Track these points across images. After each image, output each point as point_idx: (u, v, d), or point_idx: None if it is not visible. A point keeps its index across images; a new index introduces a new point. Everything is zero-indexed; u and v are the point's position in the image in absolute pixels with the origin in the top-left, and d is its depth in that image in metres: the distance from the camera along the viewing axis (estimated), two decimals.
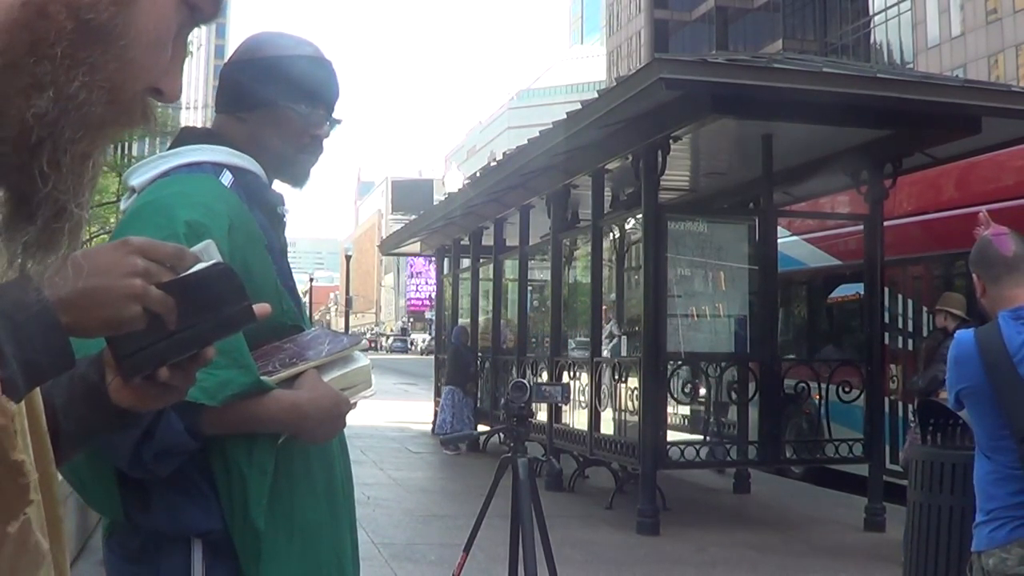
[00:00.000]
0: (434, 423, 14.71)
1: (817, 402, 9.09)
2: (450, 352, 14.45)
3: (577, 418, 10.05)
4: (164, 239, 1.06)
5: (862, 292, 9.24)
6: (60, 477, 1.66)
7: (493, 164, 12.07)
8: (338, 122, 1.86)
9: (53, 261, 0.87)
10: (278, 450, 1.61)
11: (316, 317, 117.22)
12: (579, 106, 8.37)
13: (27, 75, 0.80)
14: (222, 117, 1.82)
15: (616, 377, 9.16)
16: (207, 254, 1.06)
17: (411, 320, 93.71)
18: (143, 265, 0.97)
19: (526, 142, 9.60)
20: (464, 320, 15.45)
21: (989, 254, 3.07)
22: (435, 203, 18.05)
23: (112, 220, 29.36)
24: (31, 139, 0.81)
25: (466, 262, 15.39)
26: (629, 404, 8.91)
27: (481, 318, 14.62)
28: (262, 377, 1.56)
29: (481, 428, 12.60)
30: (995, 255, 3.05)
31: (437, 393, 15.84)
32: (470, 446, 12.85)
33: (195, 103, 42.20)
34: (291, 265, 1.90)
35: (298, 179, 1.87)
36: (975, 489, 3.07)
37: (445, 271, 16.95)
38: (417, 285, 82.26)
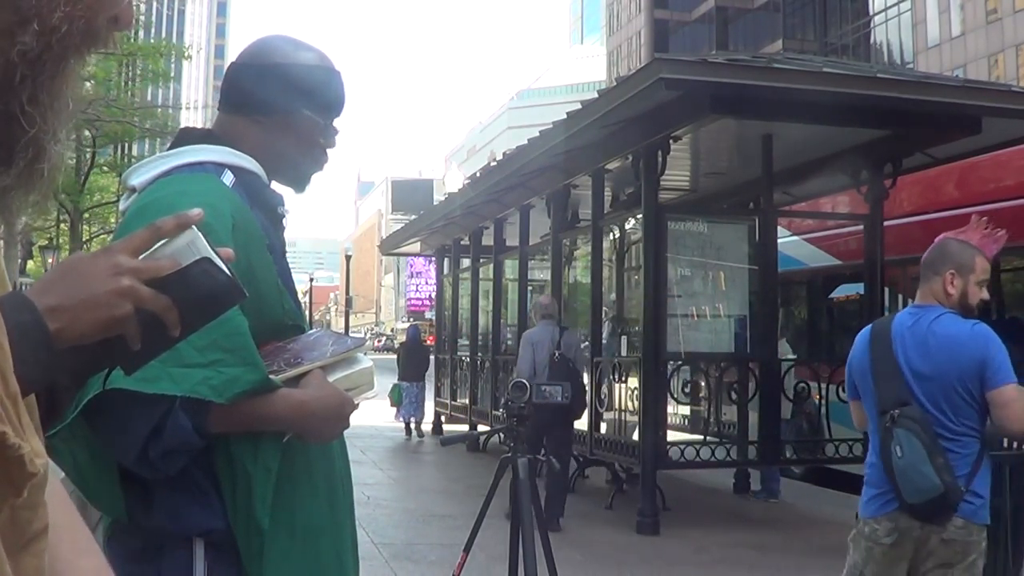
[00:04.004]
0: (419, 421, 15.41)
1: (817, 402, 9.09)
2: (404, 350, 15.77)
3: None
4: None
5: (862, 292, 9.24)
6: (63, 474, 1.66)
7: (493, 164, 12.07)
8: (337, 131, 1.89)
9: (34, 200, 0.86)
10: (282, 449, 1.61)
11: (316, 317, 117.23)
12: (579, 106, 8.37)
13: (10, 11, 0.78)
14: (231, 117, 1.81)
15: (616, 377, 9.16)
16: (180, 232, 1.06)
17: (411, 320, 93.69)
18: (128, 264, 0.97)
19: (526, 142, 9.59)
20: (465, 317, 15.46)
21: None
22: (435, 203, 18.05)
23: (112, 220, 29.38)
24: (14, 79, 0.79)
25: (466, 262, 15.40)
26: (629, 404, 8.91)
27: (481, 318, 14.62)
28: (269, 376, 1.56)
29: (481, 428, 12.61)
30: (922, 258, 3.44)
31: (438, 393, 15.89)
32: (470, 446, 12.85)
33: (195, 103, 42.07)
34: (291, 265, 1.92)
35: (301, 184, 1.90)
36: None
37: (445, 271, 16.95)
38: (417, 285, 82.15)
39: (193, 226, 1.07)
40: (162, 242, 1.04)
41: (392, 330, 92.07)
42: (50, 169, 0.84)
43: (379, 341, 79.93)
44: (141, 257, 1.02)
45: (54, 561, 0.79)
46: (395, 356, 17.19)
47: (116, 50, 0.90)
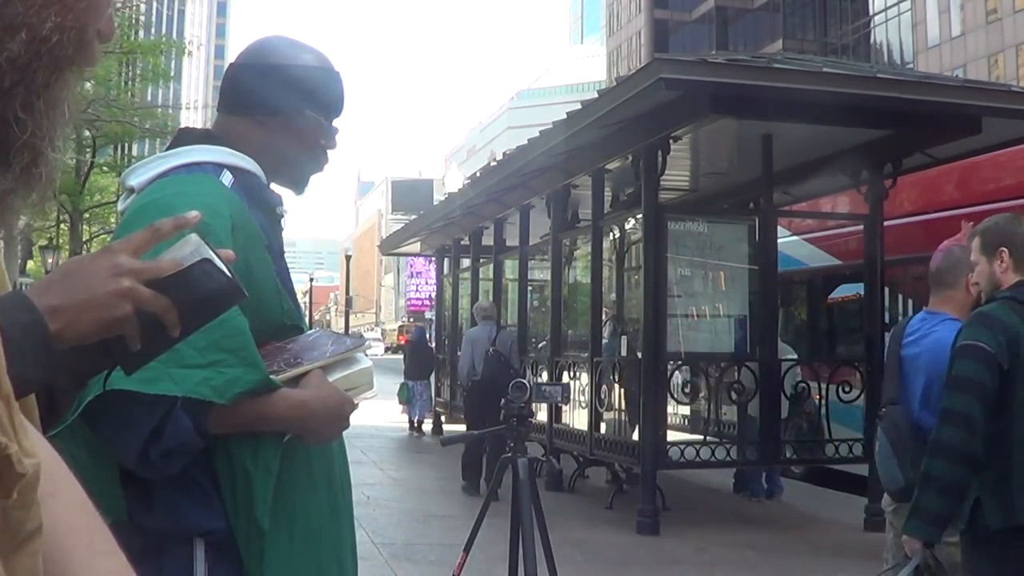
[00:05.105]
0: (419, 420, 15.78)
1: (817, 402, 9.09)
2: (409, 350, 16.26)
3: (577, 418, 10.04)
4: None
5: (862, 292, 9.23)
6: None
7: (493, 164, 12.07)
8: (337, 131, 1.90)
9: (33, 201, 0.86)
10: (282, 449, 1.61)
11: (316, 317, 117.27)
12: (579, 106, 8.37)
13: None
14: (231, 118, 1.81)
15: (616, 377, 9.15)
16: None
17: (411, 320, 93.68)
18: (128, 265, 0.97)
19: (526, 142, 9.59)
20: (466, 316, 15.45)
21: (929, 267, 3.72)
22: (435, 203, 18.05)
23: (112, 220, 29.37)
24: (3, 84, 0.79)
25: (466, 262, 15.39)
26: (629, 404, 8.90)
27: None
28: (269, 376, 1.56)
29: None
30: (929, 268, 3.71)
31: (438, 393, 15.90)
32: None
33: (195, 103, 42.04)
34: (291, 265, 1.92)
35: (300, 185, 1.91)
36: None
37: (445, 271, 16.94)
38: (417, 285, 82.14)
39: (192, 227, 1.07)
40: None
41: (383, 331, 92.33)
42: (48, 172, 0.85)
43: None
44: (141, 258, 1.02)
45: (69, 563, 0.79)
46: (385, 354, 17.76)
47: (102, 61, 0.90)
